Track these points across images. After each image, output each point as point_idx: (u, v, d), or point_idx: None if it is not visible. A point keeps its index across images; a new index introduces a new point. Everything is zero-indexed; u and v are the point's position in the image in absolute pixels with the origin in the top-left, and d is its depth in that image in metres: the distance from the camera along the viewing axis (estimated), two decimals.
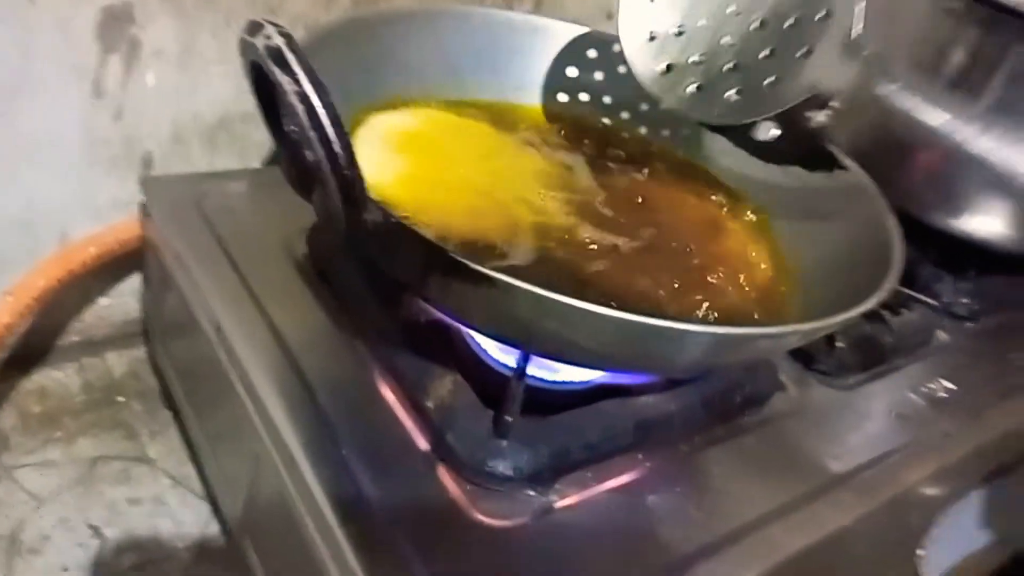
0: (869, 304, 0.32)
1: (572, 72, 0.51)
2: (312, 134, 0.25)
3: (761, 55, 0.42)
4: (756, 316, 0.38)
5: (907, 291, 0.51)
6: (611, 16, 0.64)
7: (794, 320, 0.37)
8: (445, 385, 0.38)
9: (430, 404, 0.37)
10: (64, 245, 0.49)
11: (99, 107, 0.46)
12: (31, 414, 0.50)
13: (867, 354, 0.47)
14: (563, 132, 0.49)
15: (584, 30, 0.51)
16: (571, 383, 0.40)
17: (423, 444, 0.36)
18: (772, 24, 0.42)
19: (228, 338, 0.40)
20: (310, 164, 0.29)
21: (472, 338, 0.40)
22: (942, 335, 0.52)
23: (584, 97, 0.52)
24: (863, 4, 0.39)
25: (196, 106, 0.49)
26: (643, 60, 0.45)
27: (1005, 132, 0.50)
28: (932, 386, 0.47)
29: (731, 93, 0.43)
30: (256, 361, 0.39)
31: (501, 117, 0.48)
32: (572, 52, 0.51)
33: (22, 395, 0.50)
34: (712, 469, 0.38)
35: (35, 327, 0.49)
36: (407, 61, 0.47)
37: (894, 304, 0.49)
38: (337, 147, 0.25)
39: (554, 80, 0.51)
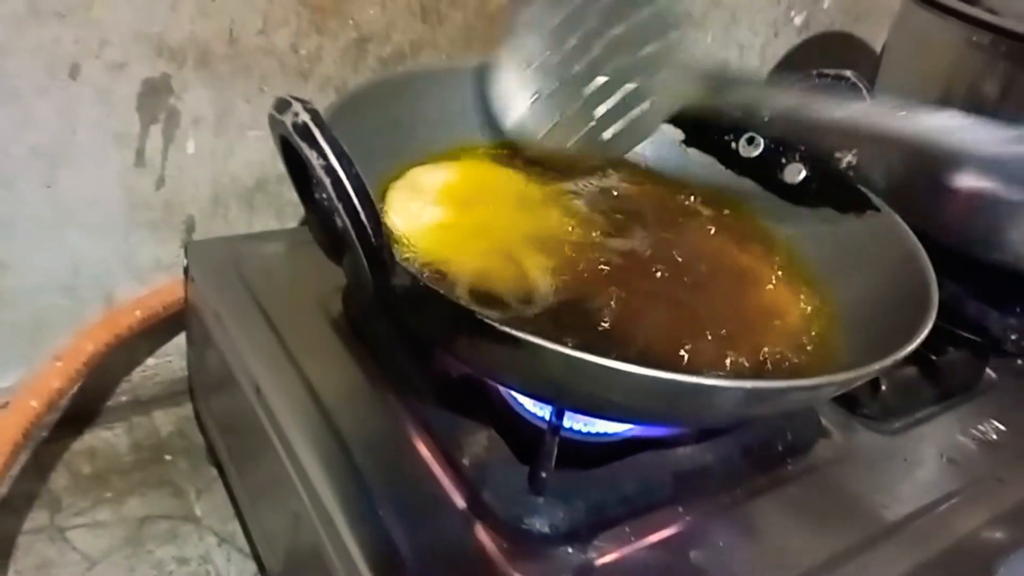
0: (904, 352, 0.32)
1: None
2: (340, 205, 0.26)
3: (620, 92, 0.47)
4: (794, 364, 0.37)
5: (952, 329, 0.49)
6: None
7: (832, 367, 0.37)
8: (480, 441, 0.38)
9: (465, 460, 0.37)
10: (108, 307, 0.50)
11: (141, 174, 0.48)
12: (82, 474, 0.51)
13: (913, 396, 0.46)
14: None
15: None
16: (606, 434, 0.39)
17: (459, 501, 0.36)
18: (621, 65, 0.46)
19: (266, 397, 0.41)
20: (339, 231, 0.29)
21: (505, 391, 0.40)
22: (990, 374, 0.50)
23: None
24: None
25: (234, 169, 0.51)
26: (507, 103, 0.48)
27: None
28: (982, 428, 0.46)
29: (599, 132, 0.47)
30: (293, 419, 0.39)
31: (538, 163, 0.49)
32: None
33: (73, 455, 0.52)
34: (756, 521, 0.38)
35: (84, 388, 0.50)
36: (436, 117, 0.47)
37: (939, 344, 0.47)
38: (364, 217, 0.26)
39: None
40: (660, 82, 0.45)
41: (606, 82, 0.46)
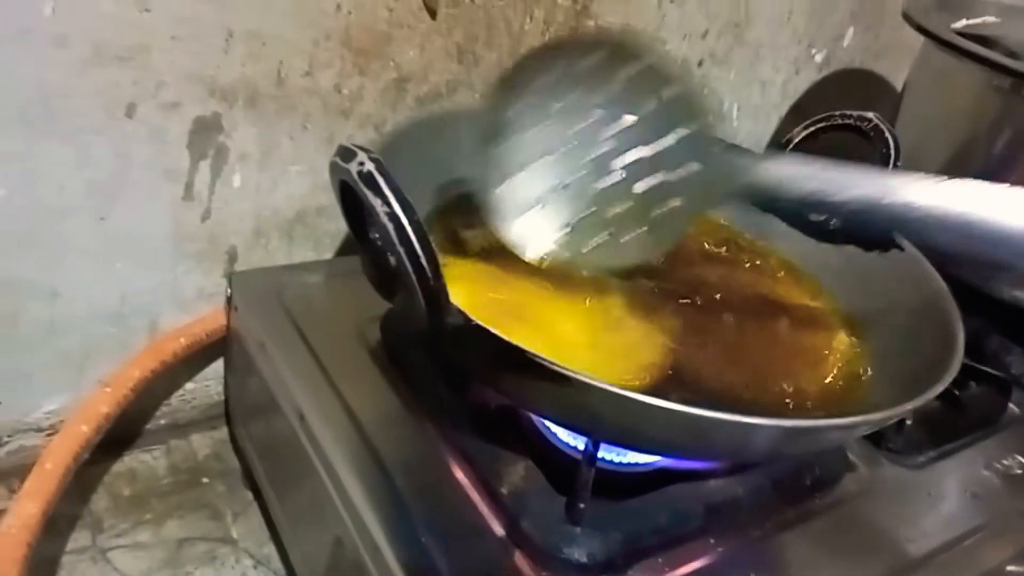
0: (934, 391, 0.33)
1: None
2: (401, 249, 0.28)
3: (641, 195, 0.40)
4: (819, 401, 0.38)
5: (975, 364, 0.50)
6: None
7: (861, 404, 0.38)
8: (517, 471, 0.39)
9: (504, 490, 0.38)
10: (153, 334, 0.52)
11: (189, 208, 0.49)
12: (122, 496, 0.52)
13: (938, 431, 0.47)
14: None
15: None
16: (638, 464, 0.41)
17: (498, 529, 0.37)
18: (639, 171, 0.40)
19: (309, 423, 0.42)
20: (393, 269, 0.31)
21: (539, 421, 0.42)
22: (1013, 408, 0.51)
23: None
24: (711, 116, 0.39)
25: (275, 203, 0.52)
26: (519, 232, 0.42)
27: None
28: (1007, 462, 0.47)
29: (619, 239, 0.41)
30: (335, 445, 0.41)
31: None
32: None
33: (113, 478, 0.53)
34: (785, 554, 0.39)
35: (126, 412, 0.52)
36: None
37: (963, 378, 0.48)
38: (424, 261, 0.28)
39: None
40: (689, 177, 0.39)
41: (621, 180, 0.40)
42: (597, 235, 0.41)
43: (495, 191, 0.41)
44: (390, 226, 0.28)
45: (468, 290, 0.40)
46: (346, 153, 0.29)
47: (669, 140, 0.39)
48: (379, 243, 0.32)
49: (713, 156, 0.39)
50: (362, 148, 0.29)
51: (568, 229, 0.41)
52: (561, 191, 0.41)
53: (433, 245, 0.29)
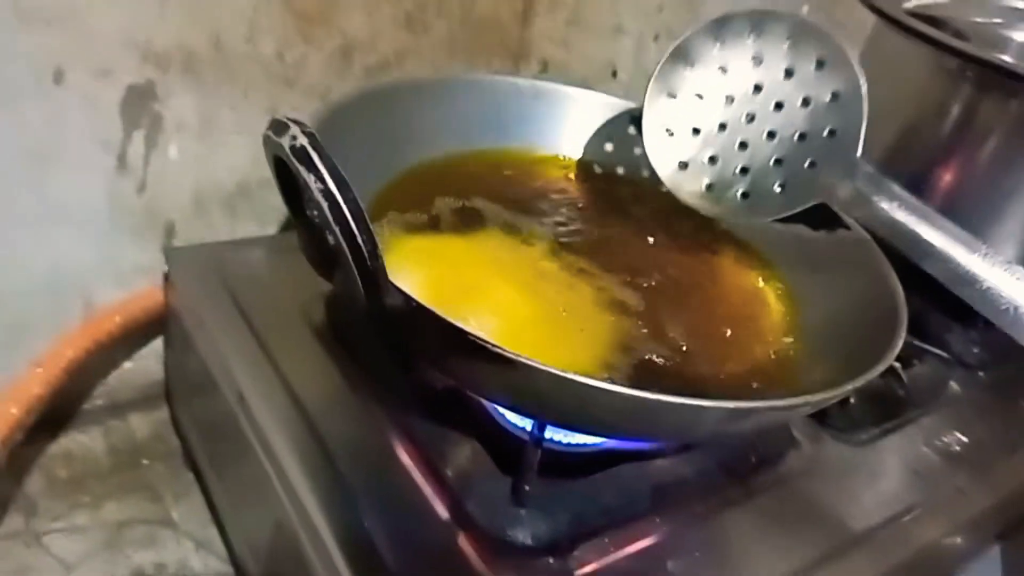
0: (877, 370, 0.33)
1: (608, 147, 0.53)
2: (337, 228, 0.27)
3: (771, 161, 0.44)
4: (764, 380, 0.38)
5: (917, 342, 0.51)
6: (616, 74, 0.66)
7: (805, 383, 0.38)
8: (463, 452, 0.39)
9: (449, 471, 0.38)
10: (88, 310, 0.50)
11: (124, 179, 0.47)
12: (58, 479, 0.50)
13: (880, 408, 0.47)
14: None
15: (588, 93, 0.53)
16: (585, 445, 0.40)
17: (442, 511, 0.37)
18: (782, 134, 0.44)
19: (248, 404, 0.41)
20: (331, 247, 0.30)
21: (488, 404, 0.41)
22: (954, 386, 0.52)
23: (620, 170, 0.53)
24: (863, 128, 0.41)
25: (216, 175, 0.51)
26: (661, 154, 0.47)
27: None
28: (946, 439, 0.48)
29: (739, 193, 0.45)
30: (276, 427, 0.40)
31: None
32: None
33: (49, 459, 0.51)
34: (730, 531, 0.39)
35: (60, 392, 0.50)
36: (420, 129, 0.48)
37: (905, 356, 0.49)
38: (360, 240, 0.27)
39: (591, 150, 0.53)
40: (825, 168, 0.43)
41: (767, 132, 0.44)
42: (737, 186, 0.45)
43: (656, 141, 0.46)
44: (325, 204, 0.26)
45: (418, 268, 0.39)
46: (278, 127, 0.28)
47: (798, 133, 0.43)
48: (316, 220, 0.31)
49: (848, 133, 0.42)
50: (295, 121, 0.28)
51: (709, 182, 0.45)
52: (716, 138, 0.45)
53: (371, 223, 0.28)
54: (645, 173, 0.50)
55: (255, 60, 0.48)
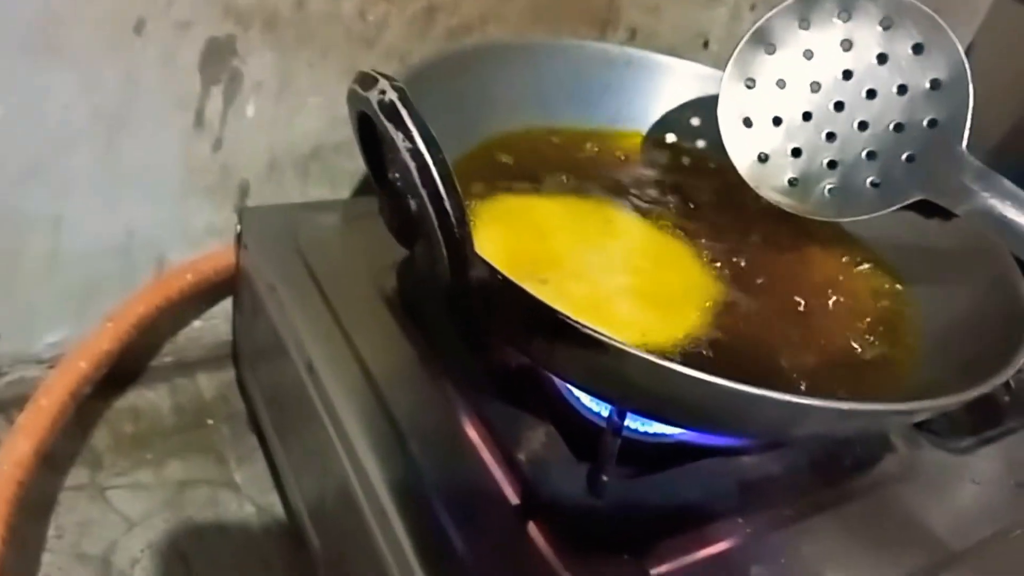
0: (1003, 377, 0.30)
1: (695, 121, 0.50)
2: (423, 191, 0.25)
3: (862, 154, 0.41)
4: (875, 382, 0.35)
5: None
6: (707, 44, 0.63)
7: (914, 385, 0.35)
8: (537, 436, 0.37)
9: (521, 456, 0.36)
10: (160, 271, 0.50)
11: (199, 137, 0.47)
12: (124, 434, 0.50)
13: (983, 414, 0.44)
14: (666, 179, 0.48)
15: (680, 63, 0.50)
16: (666, 435, 0.38)
17: (513, 498, 0.35)
18: (875, 125, 0.41)
19: (318, 373, 0.40)
20: (414, 214, 0.28)
21: (563, 385, 0.39)
22: None
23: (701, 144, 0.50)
24: (968, 117, 0.37)
25: (291, 136, 0.49)
26: (739, 145, 0.43)
27: None
28: None
29: (827, 189, 0.41)
30: (344, 398, 0.39)
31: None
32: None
33: (115, 414, 0.51)
34: (819, 538, 0.36)
35: (130, 347, 0.50)
36: (502, 95, 0.46)
37: None
38: (448, 206, 0.25)
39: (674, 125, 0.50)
40: (925, 162, 0.39)
41: (860, 121, 0.41)
42: (825, 181, 0.41)
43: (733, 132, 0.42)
44: (412, 164, 0.24)
45: (499, 237, 0.38)
46: (366, 80, 0.26)
47: (894, 123, 0.39)
48: (399, 184, 0.29)
49: (952, 124, 0.38)
50: (385, 75, 0.26)
51: (793, 177, 0.42)
52: (800, 129, 0.42)
53: (459, 189, 0.26)
54: None
55: (336, 19, 0.47)
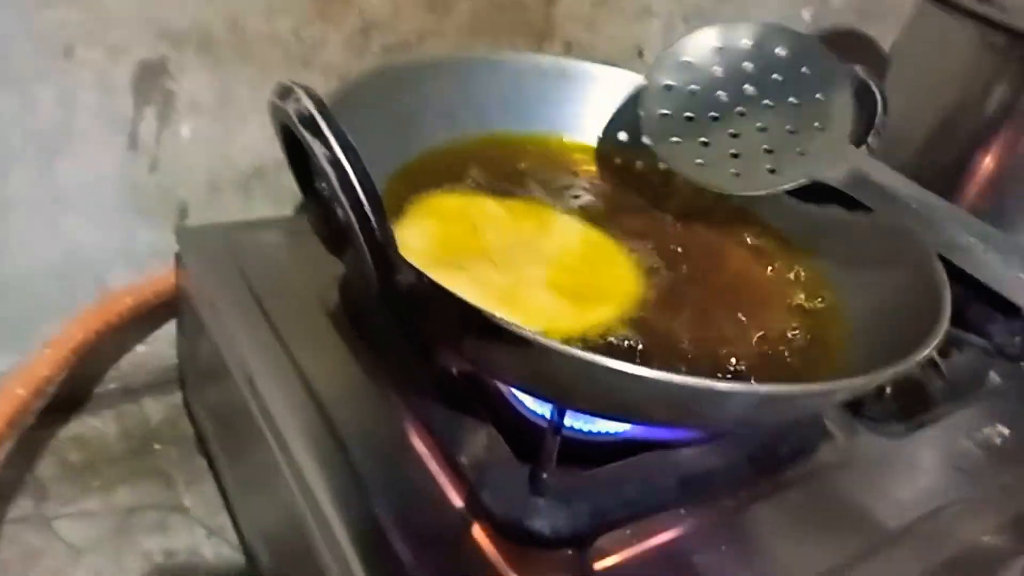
0: (919, 357, 0.31)
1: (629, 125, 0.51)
2: (344, 198, 0.25)
3: (761, 149, 0.45)
4: (799, 368, 0.36)
5: (957, 331, 0.49)
6: (642, 54, 0.64)
7: (840, 370, 0.36)
8: (479, 439, 0.37)
9: (464, 459, 0.36)
10: (101, 293, 0.49)
11: (135, 158, 0.46)
12: (70, 463, 0.50)
13: (917, 400, 0.45)
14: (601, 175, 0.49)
15: (612, 71, 0.51)
16: (607, 433, 0.39)
17: (457, 501, 0.35)
18: (772, 129, 0.45)
19: (260, 389, 0.40)
20: (341, 223, 0.28)
21: (505, 388, 0.40)
22: (994, 377, 0.50)
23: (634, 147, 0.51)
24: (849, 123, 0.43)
25: (231, 155, 0.50)
26: (656, 130, 0.48)
27: None
28: (987, 431, 0.45)
29: (730, 171, 0.45)
30: (287, 413, 0.39)
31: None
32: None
33: (60, 443, 0.50)
34: (759, 526, 0.37)
35: (73, 375, 0.49)
36: (439, 109, 0.47)
37: (944, 346, 0.47)
38: (369, 212, 0.25)
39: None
40: (813, 156, 0.43)
41: (760, 122, 0.45)
42: (729, 166, 0.45)
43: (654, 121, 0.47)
44: (331, 173, 0.25)
45: (430, 231, 0.38)
46: (283, 91, 0.26)
47: (811, 100, 0.45)
48: (325, 193, 0.30)
49: (838, 126, 0.44)
50: (301, 86, 0.26)
51: (701, 162, 0.45)
52: (709, 127, 0.46)
53: (379, 195, 0.26)
54: None
55: (272, 39, 0.47)
